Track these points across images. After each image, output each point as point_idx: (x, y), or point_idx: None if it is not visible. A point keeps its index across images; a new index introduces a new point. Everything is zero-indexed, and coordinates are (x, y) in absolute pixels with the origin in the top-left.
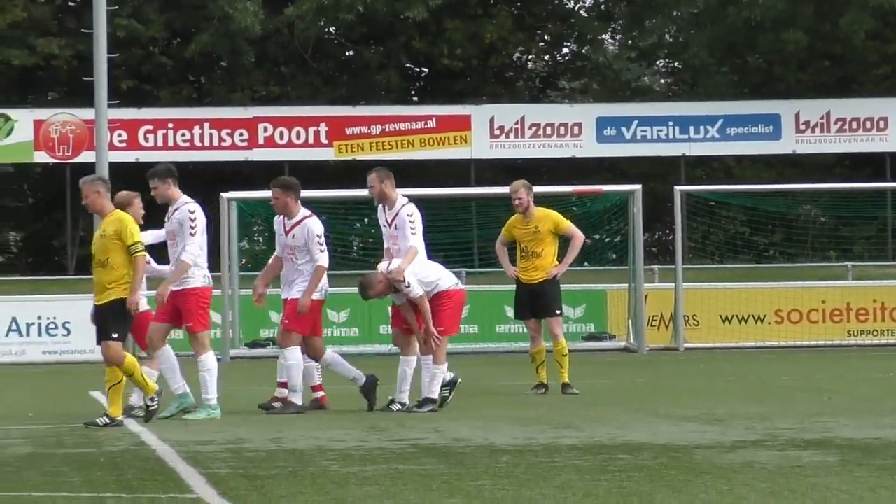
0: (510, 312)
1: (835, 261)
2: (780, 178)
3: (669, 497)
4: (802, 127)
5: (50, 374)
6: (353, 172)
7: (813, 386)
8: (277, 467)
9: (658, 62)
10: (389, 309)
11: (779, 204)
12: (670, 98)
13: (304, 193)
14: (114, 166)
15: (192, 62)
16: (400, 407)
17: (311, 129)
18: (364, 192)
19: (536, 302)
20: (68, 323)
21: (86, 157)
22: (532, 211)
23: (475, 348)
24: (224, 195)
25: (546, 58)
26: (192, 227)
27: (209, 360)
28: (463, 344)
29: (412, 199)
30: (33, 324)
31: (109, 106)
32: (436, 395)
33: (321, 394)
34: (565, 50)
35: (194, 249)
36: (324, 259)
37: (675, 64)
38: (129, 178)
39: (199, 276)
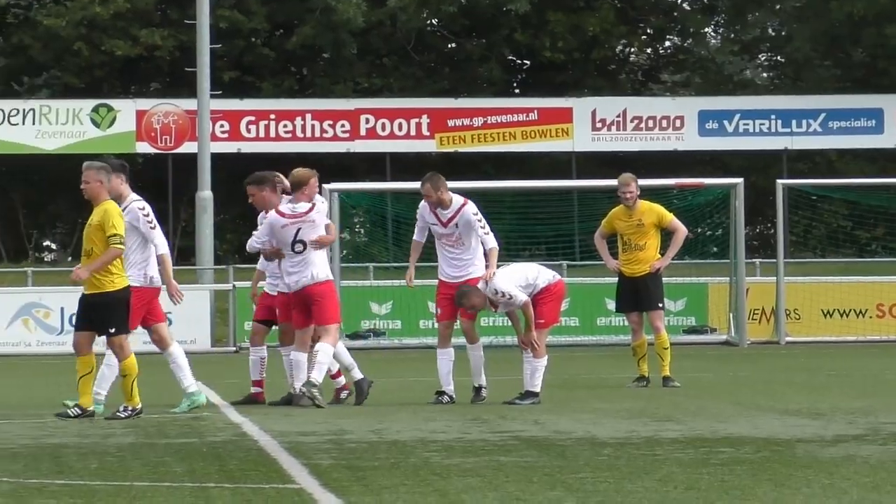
0: (610, 305)
1: None
2: (883, 173)
3: (771, 491)
4: None
5: (150, 364)
6: (454, 165)
7: None
8: (379, 458)
9: (760, 56)
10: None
11: (881, 198)
12: (772, 92)
13: (405, 185)
14: (215, 157)
15: (294, 54)
16: (449, 399)
17: (413, 121)
18: (464, 185)
19: (639, 295)
20: (169, 313)
21: (187, 147)
22: (637, 204)
23: (575, 341)
24: (326, 186)
25: (648, 51)
26: (150, 222)
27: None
28: (563, 336)
29: (514, 192)
30: None
31: (212, 97)
32: (537, 389)
33: (260, 390)
34: (668, 43)
35: (163, 240)
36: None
37: (778, 57)
38: (231, 168)
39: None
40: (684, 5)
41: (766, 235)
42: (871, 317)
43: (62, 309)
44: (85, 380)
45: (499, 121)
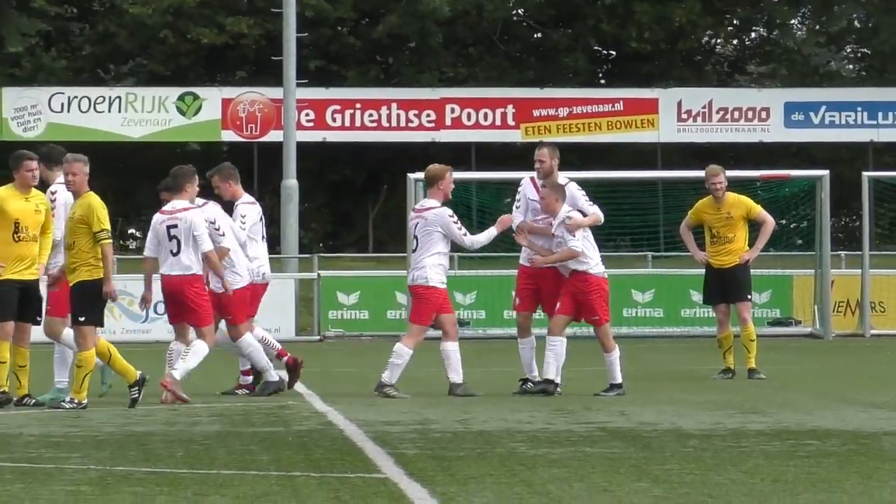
0: (695, 296)
1: None
2: None
3: (858, 484)
4: None
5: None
6: None
7: None
8: (465, 448)
9: (846, 47)
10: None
11: None
12: (858, 84)
13: (491, 175)
14: (301, 146)
15: (380, 43)
16: (532, 386)
17: (499, 111)
18: None
19: (728, 286)
20: None
21: (273, 136)
22: (725, 196)
23: (660, 332)
24: (411, 175)
25: (734, 42)
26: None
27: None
28: (648, 328)
29: (599, 182)
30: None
31: (298, 85)
32: (619, 380)
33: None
34: (754, 34)
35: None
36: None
37: (864, 49)
38: (316, 157)
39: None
40: None
41: (851, 228)
42: None
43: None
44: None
45: (584, 111)
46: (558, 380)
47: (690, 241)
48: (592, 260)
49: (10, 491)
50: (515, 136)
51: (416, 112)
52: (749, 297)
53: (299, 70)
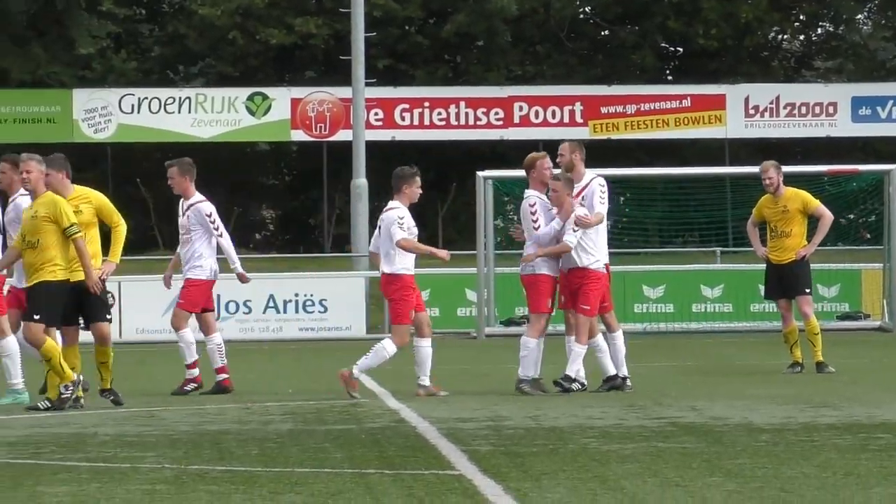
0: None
1: None
2: None
3: None
4: None
5: (307, 350)
6: (608, 152)
7: None
8: (537, 445)
9: None
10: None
11: None
12: None
13: (558, 172)
14: (370, 145)
15: (447, 42)
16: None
17: (566, 109)
18: (617, 171)
19: (785, 281)
20: (325, 300)
21: (342, 135)
22: (781, 191)
23: (729, 327)
24: (480, 174)
25: (801, 37)
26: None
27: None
28: (717, 322)
29: (667, 178)
30: (290, 301)
31: (366, 85)
32: (571, 373)
33: (224, 376)
34: (820, 30)
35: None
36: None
37: None
38: (386, 156)
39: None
40: None
41: None
42: None
43: (218, 296)
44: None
45: (652, 108)
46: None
47: (754, 237)
48: (594, 256)
49: (87, 490)
50: (583, 133)
51: (485, 110)
52: (807, 291)
53: (368, 69)
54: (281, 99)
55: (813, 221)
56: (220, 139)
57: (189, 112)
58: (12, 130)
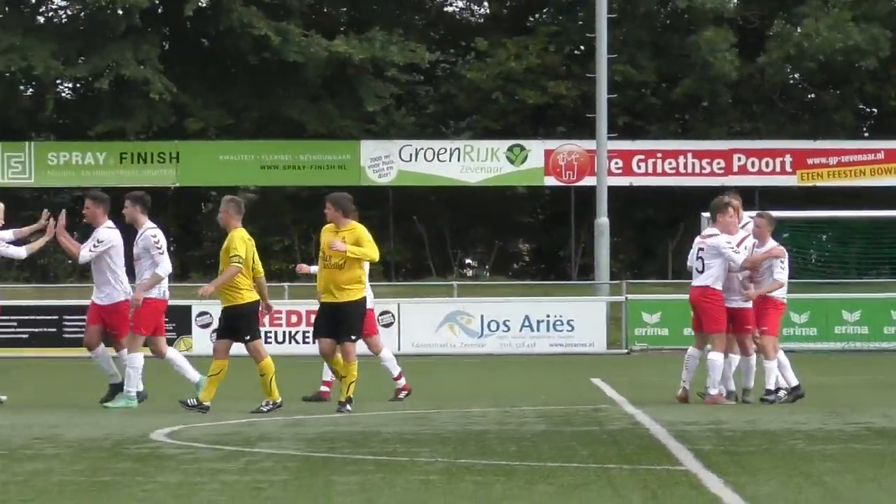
0: None
1: None
2: None
3: None
4: None
5: (556, 363)
6: (813, 196)
7: None
8: (753, 445)
9: None
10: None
11: None
12: None
13: (774, 213)
14: (611, 189)
15: (677, 102)
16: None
17: (778, 160)
18: (822, 213)
19: None
20: (572, 320)
21: (588, 181)
22: None
23: None
24: (704, 214)
25: None
26: (159, 249)
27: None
28: None
29: (864, 220)
30: (542, 320)
31: (608, 139)
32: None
33: (326, 389)
34: None
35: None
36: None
37: None
38: (624, 199)
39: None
40: None
41: None
42: None
43: (482, 316)
44: (213, 379)
45: (850, 160)
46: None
47: None
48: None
49: (372, 480)
50: (792, 181)
51: (708, 160)
52: None
53: (609, 125)
54: (536, 150)
55: None
56: (485, 184)
57: (458, 160)
58: (308, 175)
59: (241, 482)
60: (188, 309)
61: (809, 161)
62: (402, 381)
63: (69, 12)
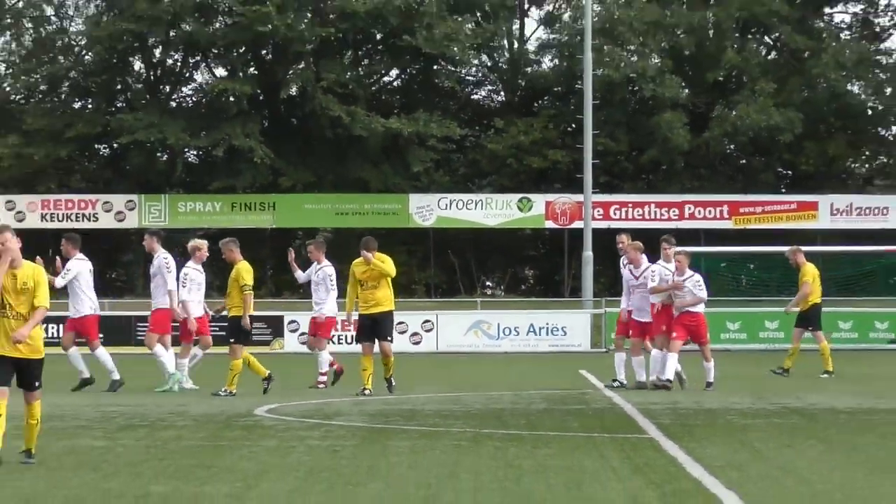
0: None
1: None
2: None
3: None
4: None
5: (553, 359)
6: (744, 236)
7: None
8: (700, 419)
9: None
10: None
11: None
12: None
13: (714, 249)
14: (595, 231)
15: (644, 166)
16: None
17: (718, 209)
18: (752, 249)
19: None
20: (565, 327)
21: (577, 224)
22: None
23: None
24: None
25: (867, 165)
26: (168, 269)
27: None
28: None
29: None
30: (543, 327)
31: (593, 193)
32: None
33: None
34: (878, 161)
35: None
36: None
37: None
38: (603, 239)
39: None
40: None
41: None
42: None
43: (498, 324)
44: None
45: (773, 209)
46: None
47: None
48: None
49: (418, 444)
50: (729, 224)
51: (666, 209)
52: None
53: (594, 183)
54: (539, 201)
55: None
56: (501, 226)
57: (481, 209)
58: (370, 220)
59: (321, 446)
60: (281, 318)
61: (742, 210)
62: (324, 378)
63: (194, 98)
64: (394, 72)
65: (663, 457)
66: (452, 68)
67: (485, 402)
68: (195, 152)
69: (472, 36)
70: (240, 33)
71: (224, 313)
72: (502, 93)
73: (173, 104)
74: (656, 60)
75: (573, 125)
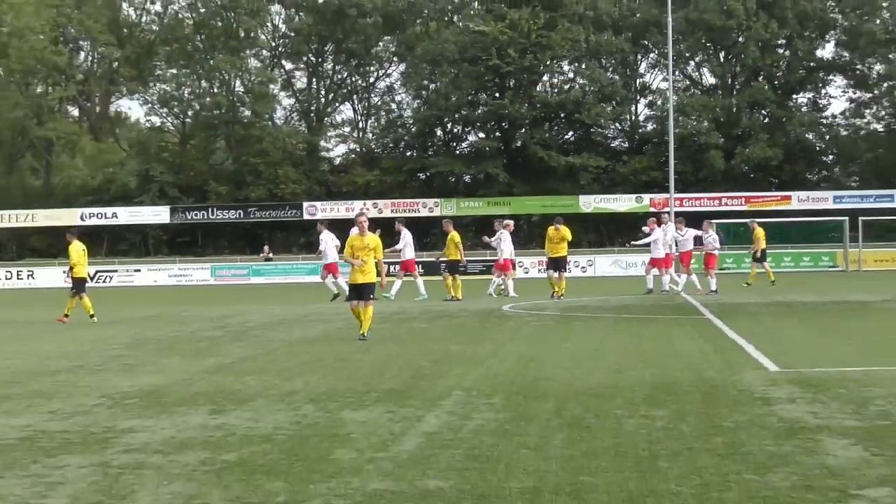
0: None
1: None
2: None
3: None
4: None
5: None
6: (753, 215)
7: None
8: (733, 308)
9: None
10: None
11: None
12: None
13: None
14: (676, 212)
15: (698, 179)
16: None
17: (739, 200)
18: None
19: None
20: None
21: (664, 210)
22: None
23: None
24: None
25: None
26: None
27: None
28: None
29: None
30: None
31: (674, 194)
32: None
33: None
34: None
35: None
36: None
37: None
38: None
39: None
40: None
41: None
42: None
43: (626, 261)
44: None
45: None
46: None
47: None
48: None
49: (587, 324)
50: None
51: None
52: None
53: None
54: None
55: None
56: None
57: (616, 203)
58: (552, 210)
59: (537, 325)
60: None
61: (752, 200)
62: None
63: (468, 149)
64: (570, 133)
65: (714, 328)
66: (601, 129)
67: (619, 301)
68: (466, 178)
69: (610, 114)
70: (490, 116)
71: (444, 259)
72: (626, 142)
73: (457, 151)
74: (706, 124)
75: (663, 158)
